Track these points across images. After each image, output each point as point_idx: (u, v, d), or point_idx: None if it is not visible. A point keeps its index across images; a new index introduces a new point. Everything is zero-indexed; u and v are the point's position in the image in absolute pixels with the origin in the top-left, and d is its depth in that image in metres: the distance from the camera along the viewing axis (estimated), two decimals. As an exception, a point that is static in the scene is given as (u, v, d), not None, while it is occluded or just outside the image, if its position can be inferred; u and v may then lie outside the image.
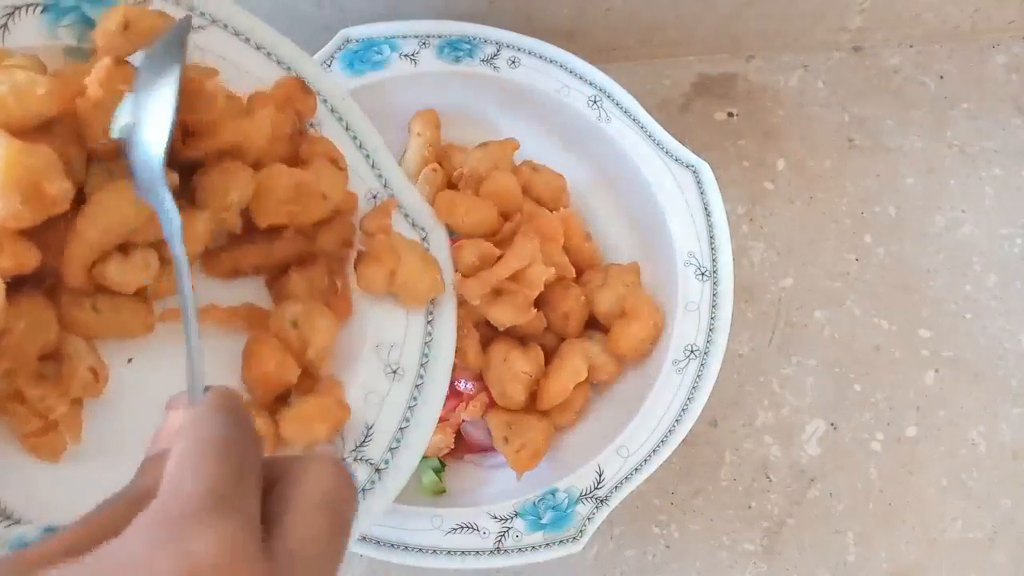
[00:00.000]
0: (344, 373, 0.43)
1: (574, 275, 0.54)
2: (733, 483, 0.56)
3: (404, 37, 0.56)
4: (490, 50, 0.56)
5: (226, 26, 0.43)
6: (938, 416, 0.58)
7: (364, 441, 0.42)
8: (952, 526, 0.55)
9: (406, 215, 0.47)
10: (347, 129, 0.46)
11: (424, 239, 0.47)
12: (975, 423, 0.58)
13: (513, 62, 0.56)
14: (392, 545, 0.46)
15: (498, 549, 0.46)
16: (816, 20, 0.66)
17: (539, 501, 0.47)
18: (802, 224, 0.63)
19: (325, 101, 0.46)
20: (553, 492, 0.47)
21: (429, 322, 0.46)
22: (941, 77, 0.68)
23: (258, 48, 0.44)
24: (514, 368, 0.50)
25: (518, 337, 0.52)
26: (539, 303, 0.52)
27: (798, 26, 0.66)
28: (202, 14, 0.42)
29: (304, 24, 0.60)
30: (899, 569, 0.54)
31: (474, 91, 0.57)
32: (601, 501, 0.47)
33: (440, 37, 0.56)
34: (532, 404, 0.52)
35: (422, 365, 0.45)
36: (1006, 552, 0.55)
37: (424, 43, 0.56)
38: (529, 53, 0.56)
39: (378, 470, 0.42)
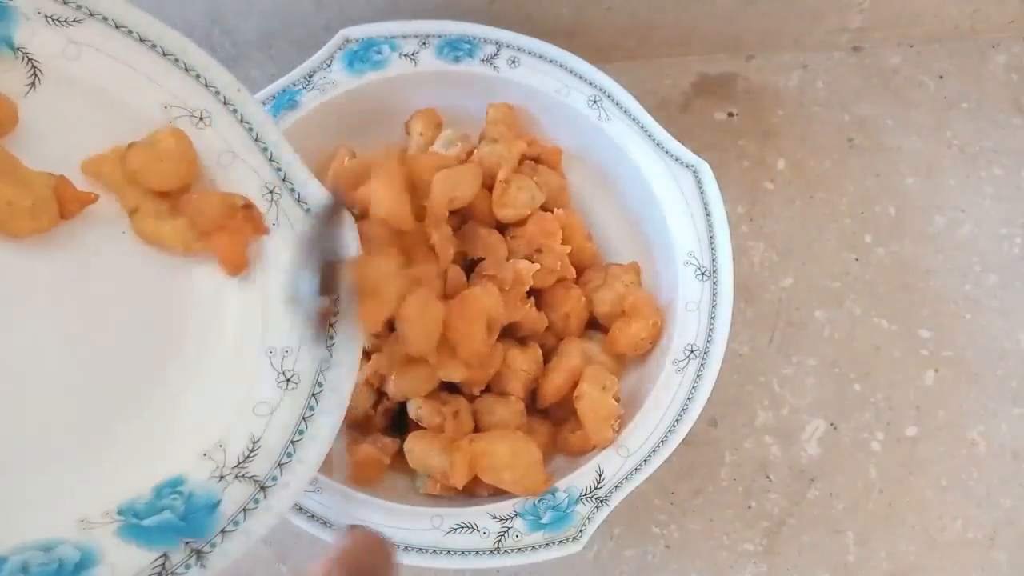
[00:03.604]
0: (231, 379, 0.41)
1: (574, 276, 0.54)
2: (733, 483, 0.56)
3: (404, 37, 0.56)
4: (490, 50, 0.56)
5: (105, 19, 0.42)
6: (938, 416, 0.58)
7: (249, 456, 0.39)
8: (952, 526, 0.55)
9: (308, 209, 0.44)
10: (241, 121, 0.45)
11: None
12: (975, 423, 0.58)
13: (513, 62, 0.56)
14: (392, 545, 0.46)
15: (498, 549, 0.46)
16: (816, 20, 0.66)
17: (539, 501, 0.47)
18: (802, 224, 0.63)
19: (218, 93, 0.44)
20: (553, 492, 0.47)
21: (331, 324, 0.42)
22: (941, 77, 0.68)
23: (142, 40, 0.43)
24: (513, 366, 0.50)
25: (518, 337, 0.52)
26: (539, 304, 0.53)
27: (798, 26, 0.66)
28: (78, 7, 0.41)
29: (304, 24, 0.60)
30: (899, 569, 0.54)
31: (474, 91, 0.57)
32: (601, 501, 0.47)
33: (440, 37, 0.56)
34: (532, 403, 0.52)
35: (321, 372, 0.42)
36: (1006, 552, 0.55)
37: (424, 43, 0.56)
38: (529, 53, 0.56)
39: (263, 488, 0.38)
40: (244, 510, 0.38)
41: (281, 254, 0.43)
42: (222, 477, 0.38)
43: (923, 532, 0.55)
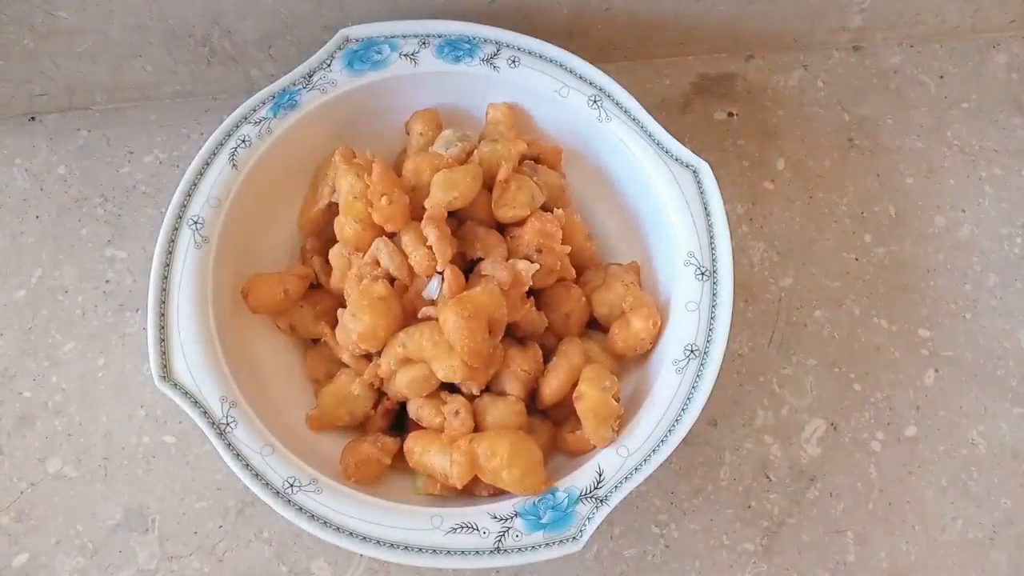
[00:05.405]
0: None
1: (574, 276, 0.54)
2: (733, 483, 0.56)
3: (404, 37, 0.56)
4: (490, 50, 0.56)
5: None
6: (938, 416, 0.58)
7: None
8: (952, 526, 0.55)
9: None
10: None
11: None
12: (975, 423, 0.58)
13: (513, 62, 0.56)
14: (392, 545, 0.46)
15: (498, 549, 0.46)
16: (816, 20, 0.66)
17: (539, 501, 0.47)
18: (802, 224, 0.63)
19: None
20: (553, 492, 0.47)
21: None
22: (941, 77, 0.68)
23: None
24: (513, 366, 0.50)
25: (518, 337, 0.52)
26: (539, 304, 0.53)
27: (798, 26, 0.66)
28: None
29: (304, 24, 0.60)
30: (899, 569, 0.54)
31: (474, 91, 0.57)
32: (601, 501, 0.47)
33: (440, 37, 0.56)
34: (532, 403, 0.52)
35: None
36: (1006, 552, 0.55)
37: (424, 43, 0.56)
38: (529, 53, 0.56)
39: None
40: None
41: None
42: None
43: (923, 532, 0.55)
